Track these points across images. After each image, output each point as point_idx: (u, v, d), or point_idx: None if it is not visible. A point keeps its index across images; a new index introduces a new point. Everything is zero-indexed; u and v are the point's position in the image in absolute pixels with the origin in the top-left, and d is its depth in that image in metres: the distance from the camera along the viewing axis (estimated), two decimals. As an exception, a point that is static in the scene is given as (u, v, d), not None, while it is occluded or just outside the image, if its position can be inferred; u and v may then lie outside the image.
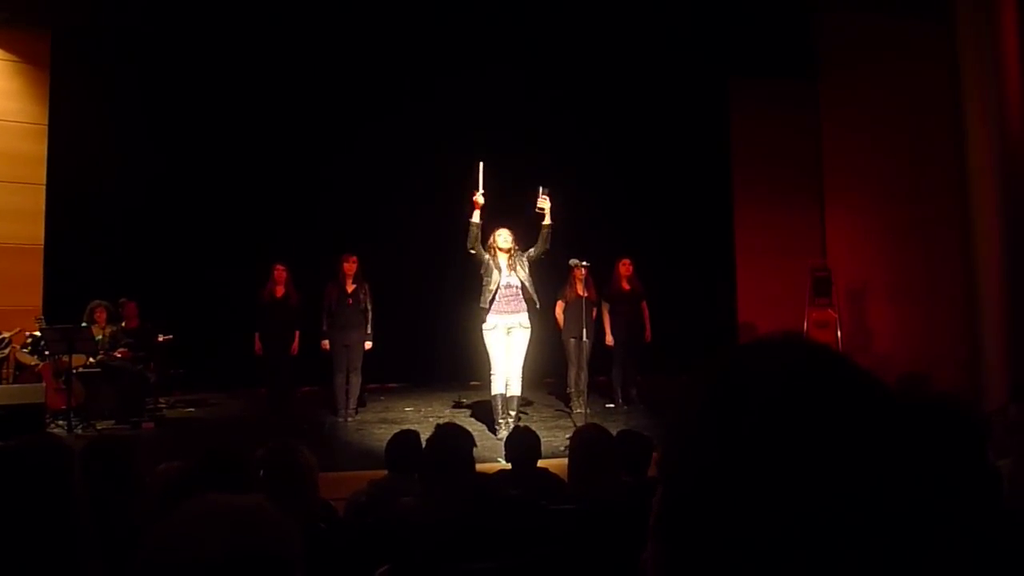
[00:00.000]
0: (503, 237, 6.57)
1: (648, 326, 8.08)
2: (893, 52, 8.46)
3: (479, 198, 6.46)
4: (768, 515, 0.51)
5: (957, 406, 1.78)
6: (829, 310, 9.01)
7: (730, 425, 0.53)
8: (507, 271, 6.51)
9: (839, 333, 8.88)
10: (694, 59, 9.45)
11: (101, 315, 7.71)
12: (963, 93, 7.24)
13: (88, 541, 1.60)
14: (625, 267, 8.04)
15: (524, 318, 6.52)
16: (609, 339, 7.95)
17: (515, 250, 6.58)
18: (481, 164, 6.48)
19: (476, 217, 6.50)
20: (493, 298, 6.46)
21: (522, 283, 6.51)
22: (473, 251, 6.55)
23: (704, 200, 9.84)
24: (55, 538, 1.53)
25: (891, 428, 0.53)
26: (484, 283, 6.54)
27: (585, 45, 9.21)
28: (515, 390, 6.56)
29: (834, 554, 0.50)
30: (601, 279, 7.87)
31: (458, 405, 8.05)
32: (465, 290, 8.92)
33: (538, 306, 6.67)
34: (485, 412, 6.94)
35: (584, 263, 7.00)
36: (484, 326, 6.50)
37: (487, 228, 6.64)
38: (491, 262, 6.54)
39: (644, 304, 8.09)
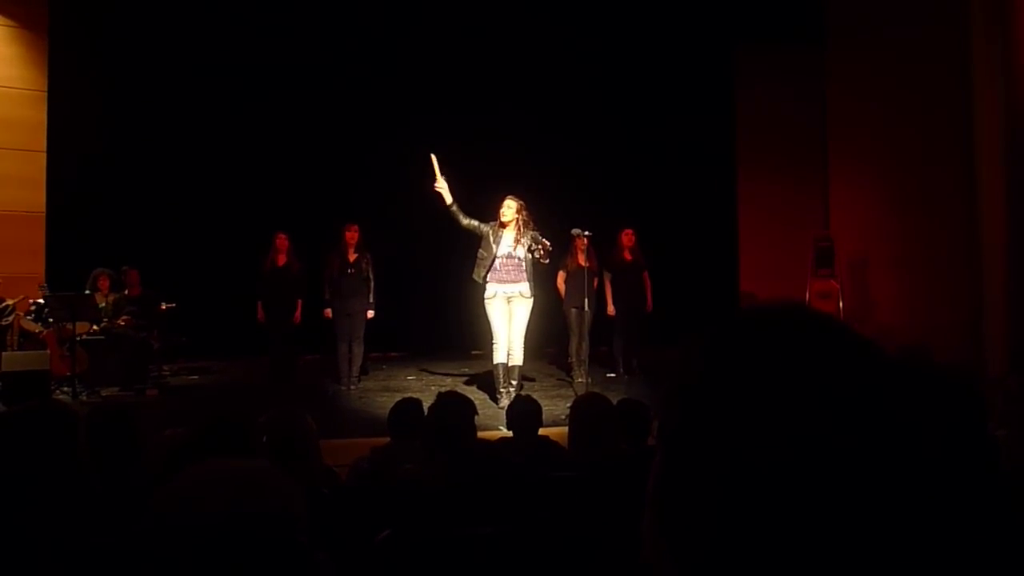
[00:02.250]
0: (502, 210, 6.46)
1: (649, 296, 8.08)
2: (902, 19, 8.33)
3: (438, 186, 6.45)
4: (766, 481, 0.51)
5: (958, 376, 1.79)
6: (831, 280, 9.00)
7: (728, 391, 0.53)
8: (512, 243, 6.44)
9: (841, 303, 8.87)
10: (699, 26, 9.33)
11: (104, 283, 7.73)
12: (973, 62, 7.15)
13: (95, 504, 1.63)
14: (627, 237, 8.01)
15: (525, 288, 6.48)
16: (611, 309, 7.95)
17: (522, 222, 6.46)
18: (433, 156, 6.50)
19: (448, 198, 6.46)
20: (489, 270, 6.40)
21: (525, 257, 6.44)
22: (470, 229, 6.50)
23: (707, 169, 9.78)
24: (62, 500, 1.55)
25: (892, 396, 0.53)
26: (479, 256, 6.47)
27: (589, 12, 9.09)
28: (517, 360, 6.57)
29: (833, 521, 0.50)
30: (603, 249, 7.85)
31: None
32: (467, 259, 8.89)
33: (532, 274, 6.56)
34: (487, 381, 6.97)
35: (586, 233, 6.97)
36: (485, 295, 6.49)
37: (493, 198, 6.57)
38: (491, 234, 6.45)
39: (646, 274, 8.08)
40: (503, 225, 6.46)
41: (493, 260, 6.41)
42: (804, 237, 9.18)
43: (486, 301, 6.48)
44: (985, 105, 7.06)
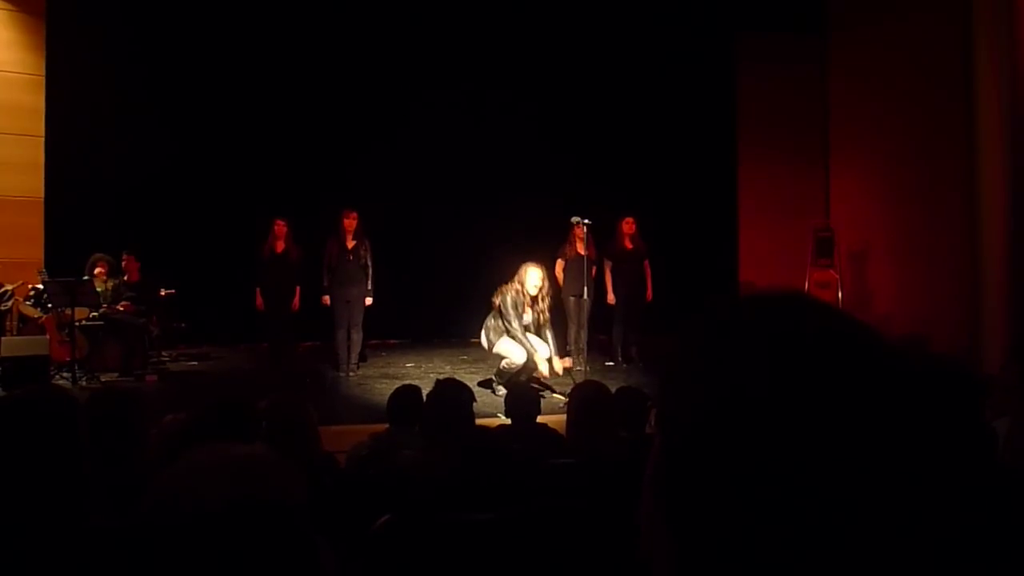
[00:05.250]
0: (533, 282, 6.31)
1: (650, 285, 8.07)
2: (903, 8, 8.29)
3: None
4: (763, 467, 0.51)
5: (954, 365, 1.79)
6: (831, 271, 9.00)
7: (726, 377, 0.53)
8: (532, 317, 6.39)
9: (840, 294, 8.88)
10: (700, 12, 9.28)
11: (102, 269, 7.71)
12: (975, 53, 7.12)
13: (94, 489, 1.63)
14: (628, 225, 8.00)
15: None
16: (611, 297, 7.95)
17: (543, 294, 6.37)
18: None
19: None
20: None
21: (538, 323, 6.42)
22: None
23: (708, 158, 9.76)
24: (62, 486, 1.55)
25: (889, 381, 0.53)
26: (507, 324, 6.29)
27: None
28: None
29: (830, 507, 0.50)
30: (602, 237, 7.84)
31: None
32: (467, 247, 8.90)
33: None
34: (486, 369, 6.97)
35: (585, 220, 6.95)
36: (496, 334, 6.45)
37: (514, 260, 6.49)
38: (516, 308, 6.27)
39: (647, 263, 8.07)
40: (532, 300, 6.34)
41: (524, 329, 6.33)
42: (804, 227, 9.18)
43: (498, 337, 6.47)
44: (987, 96, 7.04)
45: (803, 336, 0.54)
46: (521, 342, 6.30)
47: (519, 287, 6.32)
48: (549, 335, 6.42)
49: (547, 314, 6.40)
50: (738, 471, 0.51)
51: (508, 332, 6.33)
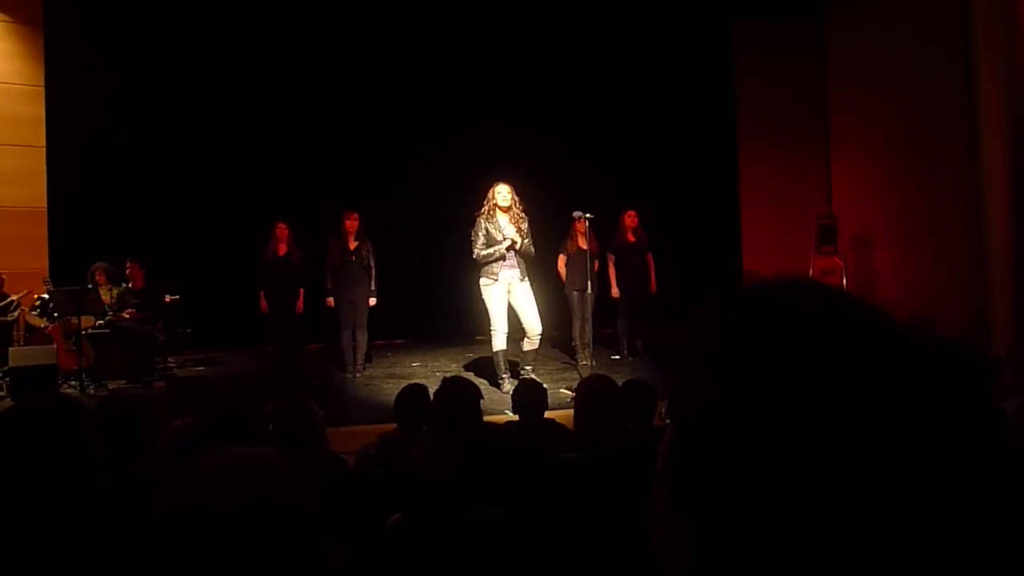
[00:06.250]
0: (503, 195, 6.34)
1: (653, 278, 8.07)
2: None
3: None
4: (775, 452, 0.51)
5: (963, 346, 1.79)
6: (834, 258, 8.98)
7: (738, 363, 0.53)
8: (510, 229, 6.37)
9: (844, 281, 8.86)
10: (698, 2, 9.25)
11: (101, 277, 7.72)
12: (973, 35, 7.09)
13: (105, 495, 1.64)
14: (630, 218, 7.99)
15: (520, 272, 6.44)
16: (615, 291, 7.94)
17: (516, 205, 6.39)
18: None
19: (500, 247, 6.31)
20: (496, 260, 6.30)
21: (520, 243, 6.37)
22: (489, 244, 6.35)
23: (708, 148, 9.73)
24: (72, 492, 1.55)
25: (898, 363, 0.53)
26: (486, 248, 6.30)
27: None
28: (535, 343, 6.57)
29: (842, 491, 0.50)
30: (604, 231, 7.83)
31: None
32: (469, 244, 8.87)
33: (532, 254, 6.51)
34: (490, 367, 6.97)
35: (587, 215, 6.94)
36: (482, 282, 6.45)
37: (484, 182, 6.49)
38: (489, 225, 6.32)
39: (649, 256, 8.07)
40: (503, 210, 6.38)
41: (503, 250, 6.31)
42: (806, 214, 9.15)
43: (485, 288, 6.44)
44: (987, 79, 7.01)
45: (811, 321, 0.54)
46: (488, 255, 6.27)
47: (488, 206, 6.34)
48: (526, 239, 6.39)
49: (524, 223, 6.39)
50: (750, 458, 0.51)
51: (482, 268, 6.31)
